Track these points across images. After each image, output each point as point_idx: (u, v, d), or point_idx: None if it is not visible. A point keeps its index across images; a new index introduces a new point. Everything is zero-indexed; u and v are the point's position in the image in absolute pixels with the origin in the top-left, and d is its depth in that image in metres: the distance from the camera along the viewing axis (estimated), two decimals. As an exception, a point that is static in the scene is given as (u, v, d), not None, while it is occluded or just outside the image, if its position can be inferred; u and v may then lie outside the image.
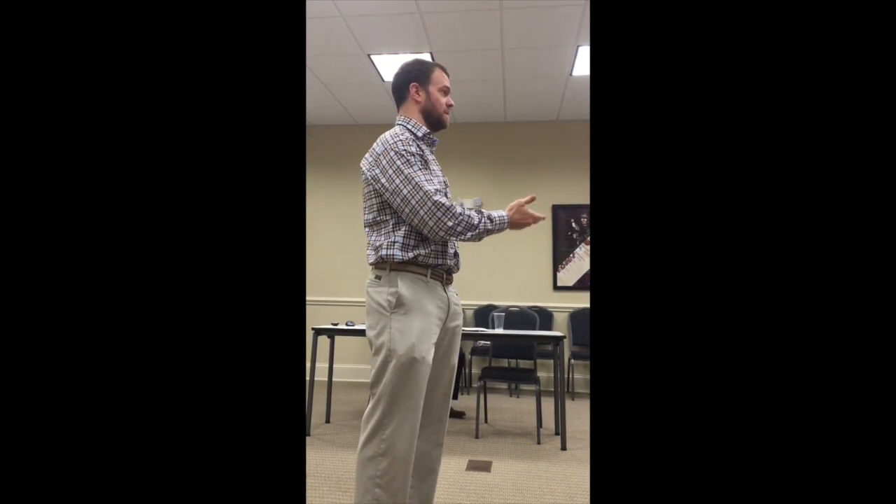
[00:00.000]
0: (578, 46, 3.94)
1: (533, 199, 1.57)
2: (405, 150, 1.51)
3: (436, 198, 1.46)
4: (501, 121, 5.55)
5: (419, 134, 1.61)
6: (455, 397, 4.01)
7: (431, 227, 1.47)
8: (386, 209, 1.55)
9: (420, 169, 1.51)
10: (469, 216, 1.50)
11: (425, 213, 1.46)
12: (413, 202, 1.47)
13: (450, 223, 1.46)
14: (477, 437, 3.33)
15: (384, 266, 1.54)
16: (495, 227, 1.55)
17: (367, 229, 1.60)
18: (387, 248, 1.53)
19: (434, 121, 1.64)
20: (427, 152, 1.61)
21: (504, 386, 5.17)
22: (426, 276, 1.53)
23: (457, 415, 3.93)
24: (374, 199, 1.57)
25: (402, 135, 1.54)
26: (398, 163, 1.49)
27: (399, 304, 1.49)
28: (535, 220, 1.61)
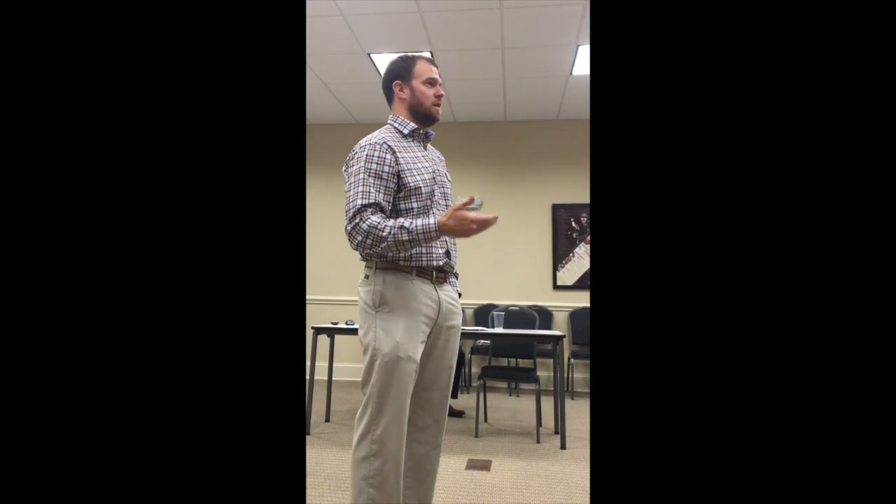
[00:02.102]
0: (578, 46, 3.94)
1: (471, 201, 1.40)
2: (366, 162, 1.48)
3: (353, 214, 1.44)
4: (501, 120, 5.55)
5: (405, 132, 1.59)
6: (455, 396, 4.01)
7: (351, 242, 1.46)
8: None
9: (374, 182, 1.46)
10: (378, 228, 1.41)
11: (346, 223, 1.46)
12: (346, 210, 1.47)
13: (358, 238, 1.43)
14: (477, 436, 3.33)
15: (371, 264, 1.54)
16: (415, 237, 1.41)
17: None
18: None
19: (422, 115, 1.60)
20: (416, 148, 1.59)
21: (504, 385, 5.17)
22: (411, 274, 1.52)
23: (456, 414, 3.93)
24: None
25: (376, 138, 1.52)
26: (357, 173, 1.48)
27: (383, 303, 1.49)
28: (482, 225, 1.39)
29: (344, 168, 1.57)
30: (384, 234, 1.41)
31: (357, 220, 1.43)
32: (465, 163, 5.57)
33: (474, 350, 4.97)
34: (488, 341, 4.50)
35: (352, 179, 1.49)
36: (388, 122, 1.63)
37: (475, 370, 5.21)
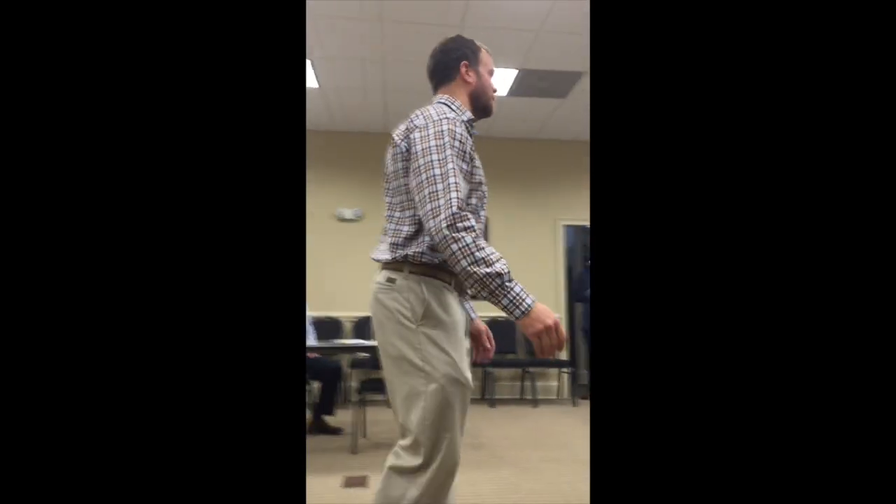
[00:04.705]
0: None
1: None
2: (451, 138, 1.21)
3: (453, 215, 1.13)
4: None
5: (464, 118, 1.34)
6: (329, 413, 3.83)
7: (433, 236, 1.16)
8: None
9: (459, 167, 1.20)
10: (480, 249, 1.11)
11: (437, 221, 1.14)
12: (435, 202, 1.15)
13: (454, 246, 1.12)
14: (354, 452, 3.19)
15: (401, 267, 1.24)
16: (504, 293, 1.10)
17: (388, 214, 1.29)
18: (415, 246, 1.23)
19: (482, 106, 1.40)
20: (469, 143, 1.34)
21: (383, 398, 5.05)
22: (451, 284, 1.26)
23: (333, 431, 3.76)
24: (402, 180, 1.26)
25: (451, 114, 1.27)
26: (443, 150, 1.19)
27: (428, 315, 1.20)
28: (550, 349, 1.14)
29: (404, 134, 1.26)
30: (491, 258, 1.11)
31: (459, 223, 1.12)
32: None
33: (354, 364, 4.82)
34: (368, 354, 4.38)
35: (436, 157, 1.18)
36: (443, 102, 1.34)
37: (354, 384, 5.05)
